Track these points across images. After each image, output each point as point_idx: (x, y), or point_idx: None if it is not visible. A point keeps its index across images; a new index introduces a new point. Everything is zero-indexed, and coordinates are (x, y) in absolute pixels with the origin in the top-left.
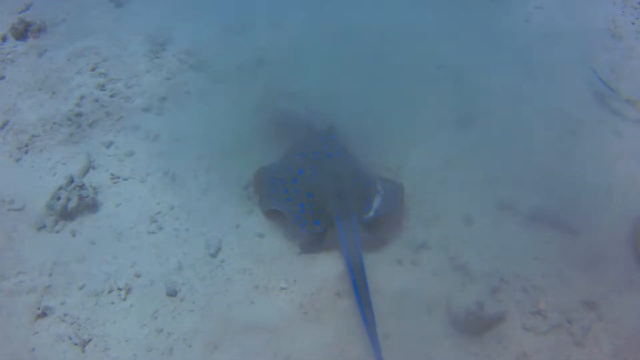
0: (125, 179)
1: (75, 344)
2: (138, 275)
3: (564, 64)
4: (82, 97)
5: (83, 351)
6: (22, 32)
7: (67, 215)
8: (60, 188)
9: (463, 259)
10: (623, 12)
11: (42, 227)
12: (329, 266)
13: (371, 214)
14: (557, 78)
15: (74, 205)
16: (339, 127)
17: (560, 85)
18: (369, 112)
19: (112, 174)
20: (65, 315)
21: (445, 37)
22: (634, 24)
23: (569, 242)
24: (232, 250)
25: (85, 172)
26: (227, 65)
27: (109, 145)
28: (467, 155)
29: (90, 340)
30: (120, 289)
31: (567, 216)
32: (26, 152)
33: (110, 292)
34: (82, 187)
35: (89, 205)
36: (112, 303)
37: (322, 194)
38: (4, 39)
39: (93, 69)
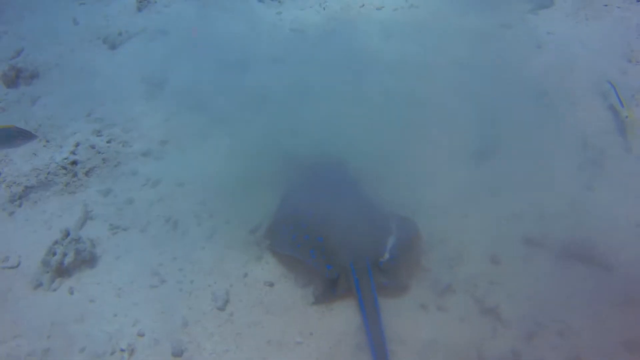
0: (125, 229)
1: None
2: (141, 334)
3: (581, 90)
4: (77, 145)
5: None
6: (14, 79)
7: (63, 271)
8: (56, 243)
9: (492, 302)
10: (638, 35)
11: (39, 285)
12: (347, 316)
13: (386, 256)
14: (576, 105)
15: (71, 260)
16: (349, 163)
17: (580, 112)
18: (381, 147)
19: (110, 225)
20: None
21: (457, 67)
22: None
23: (603, 278)
24: (240, 302)
25: (83, 223)
26: (228, 105)
27: (106, 193)
28: (489, 188)
29: None
30: (123, 351)
31: (599, 251)
32: (20, 205)
33: (112, 354)
34: (78, 240)
35: (87, 260)
36: None
37: (333, 237)
38: None
39: (88, 115)
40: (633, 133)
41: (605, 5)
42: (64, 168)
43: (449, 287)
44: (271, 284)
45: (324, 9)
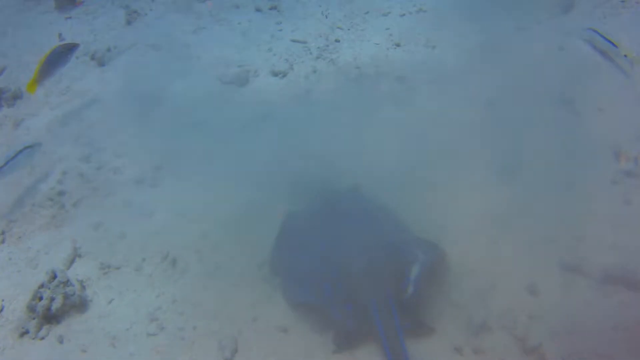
0: (117, 268)
1: None
2: None
3: (607, 93)
4: (64, 173)
5: None
6: None
7: (51, 317)
8: (42, 286)
9: (534, 340)
10: None
11: (25, 332)
12: None
13: (410, 289)
14: (603, 110)
15: (59, 305)
16: (365, 187)
17: (608, 118)
18: (398, 166)
19: (101, 263)
20: None
21: (472, 73)
22: None
23: None
24: (251, 352)
25: (71, 262)
26: (228, 124)
27: (97, 227)
28: (518, 209)
29: None
30: None
31: None
32: (3, 241)
33: None
34: (66, 283)
35: (76, 305)
36: None
37: (350, 273)
38: None
39: (76, 139)
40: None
41: (622, 1)
42: (51, 199)
43: (484, 324)
44: (285, 330)
45: (327, 17)
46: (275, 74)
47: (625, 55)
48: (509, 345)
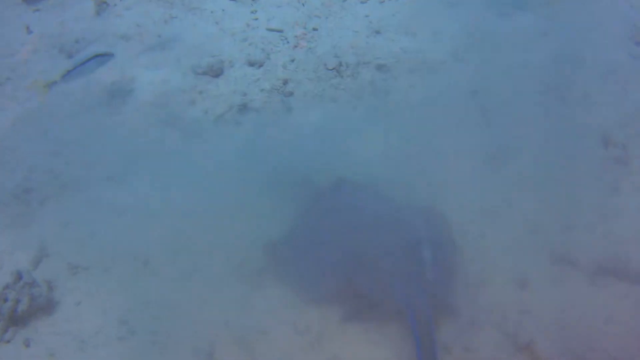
0: (86, 268)
1: None
2: None
3: (592, 79)
4: (31, 169)
5: None
6: None
7: (17, 320)
8: (7, 287)
9: (526, 336)
10: None
11: None
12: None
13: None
14: (589, 96)
15: (25, 307)
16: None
17: (595, 104)
18: (382, 159)
19: (69, 264)
20: None
21: (456, 61)
22: None
23: None
24: (228, 356)
25: (38, 262)
26: (204, 117)
27: (65, 225)
28: (506, 200)
29: None
30: None
31: (636, 265)
32: None
33: None
34: (32, 284)
35: (44, 307)
36: None
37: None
38: None
39: (44, 134)
40: None
41: None
42: (16, 197)
43: (473, 321)
44: (265, 332)
45: (304, 5)
46: (251, 64)
47: None
48: (500, 343)
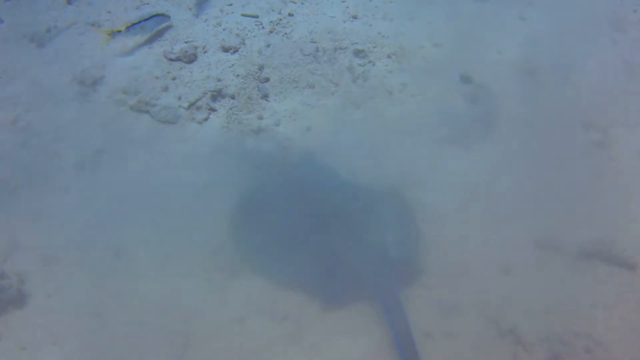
0: (57, 260)
1: None
2: None
3: (573, 63)
4: (0, 159)
5: None
6: None
7: None
8: None
9: (509, 321)
10: (622, 1)
11: None
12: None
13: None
14: (569, 80)
15: None
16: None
17: (576, 88)
18: (362, 143)
19: (40, 255)
20: None
21: (434, 46)
22: (636, 11)
23: (626, 279)
24: (204, 346)
25: (8, 254)
26: (177, 102)
27: (35, 216)
28: (487, 185)
29: None
30: None
31: (619, 247)
32: None
33: None
34: (3, 276)
35: (14, 300)
36: None
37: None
38: None
39: (13, 123)
40: None
41: None
42: None
43: (455, 306)
44: (241, 321)
45: None
46: (225, 50)
47: None
48: (482, 328)
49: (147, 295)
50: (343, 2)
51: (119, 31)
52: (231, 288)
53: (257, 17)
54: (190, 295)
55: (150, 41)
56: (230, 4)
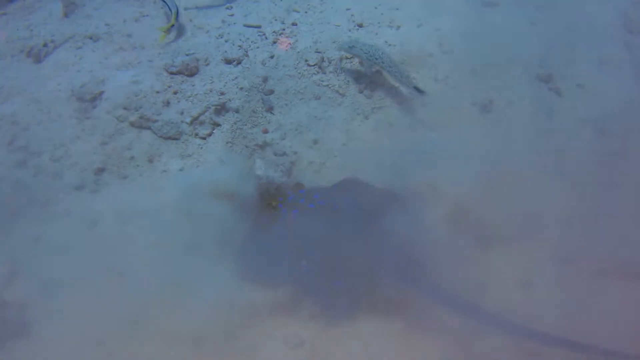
0: (60, 285)
1: None
2: None
3: (586, 70)
4: None
5: None
6: None
7: None
8: None
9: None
10: (634, 2)
11: None
12: None
13: None
14: (583, 86)
15: None
16: None
17: (589, 94)
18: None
19: (42, 281)
20: None
21: (444, 53)
22: None
23: None
24: None
25: (9, 280)
26: (179, 117)
27: (36, 240)
28: (504, 197)
29: None
30: None
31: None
32: None
33: None
34: (4, 306)
35: (16, 331)
36: None
37: None
38: None
39: (10, 142)
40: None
41: None
42: None
43: (477, 327)
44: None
45: None
46: (228, 62)
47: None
48: (505, 349)
49: (153, 320)
50: (348, 10)
51: (172, 25)
52: (240, 311)
53: (259, 27)
54: (199, 323)
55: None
56: (232, 15)
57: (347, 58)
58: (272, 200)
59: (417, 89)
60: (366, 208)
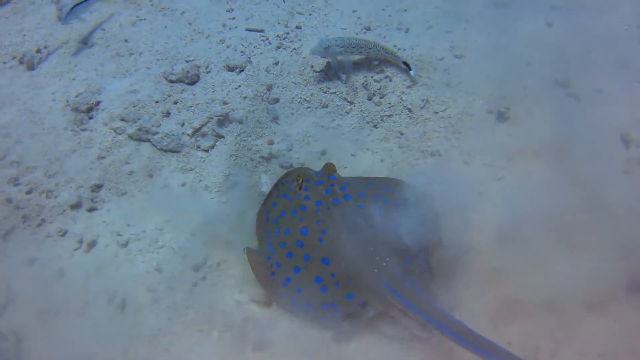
0: (57, 314)
1: None
2: None
3: (604, 73)
4: None
5: None
6: None
7: None
8: None
9: None
10: None
11: None
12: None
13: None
14: (602, 91)
15: None
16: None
17: (609, 100)
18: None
19: (38, 308)
20: None
21: (457, 57)
22: None
23: None
24: None
25: (3, 307)
26: (180, 129)
27: (30, 263)
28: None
29: None
30: None
31: None
32: None
33: None
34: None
35: None
36: None
37: (344, 258)
38: None
39: (2, 157)
40: None
41: None
42: None
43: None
44: None
45: (284, 1)
46: (230, 69)
47: None
48: None
49: (157, 354)
50: (354, 12)
51: None
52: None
53: (262, 31)
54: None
55: None
56: (233, 18)
57: (354, 63)
58: None
59: (406, 64)
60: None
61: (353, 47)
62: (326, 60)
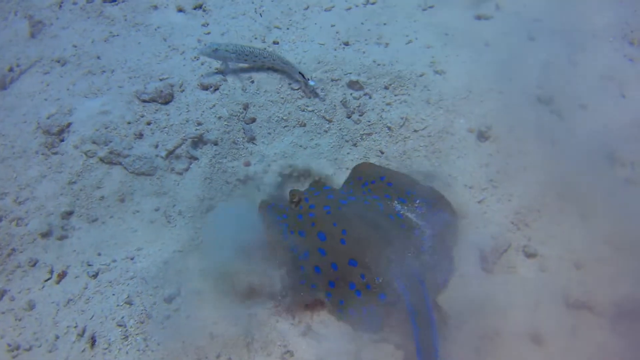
0: (28, 350)
1: None
2: None
3: (588, 87)
4: None
5: None
6: None
7: None
8: None
9: None
10: (635, 10)
11: None
12: None
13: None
14: (586, 107)
15: None
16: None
17: (593, 116)
18: None
19: (8, 344)
20: None
21: (437, 73)
22: None
23: None
24: None
25: None
26: (153, 151)
27: (0, 296)
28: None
29: None
30: None
31: None
32: None
33: None
34: None
35: None
36: None
37: (367, 255)
38: None
39: None
40: None
41: None
42: None
43: None
44: None
45: (261, 15)
46: (204, 88)
47: None
48: None
49: None
50: (332, 26)
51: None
52: None
53: None
54: None
55: None
56: (209, 33)
57: (333, 80)
58: None
59: (302, 74)
60: None
61: (246, 55)
62: (304, 77)
